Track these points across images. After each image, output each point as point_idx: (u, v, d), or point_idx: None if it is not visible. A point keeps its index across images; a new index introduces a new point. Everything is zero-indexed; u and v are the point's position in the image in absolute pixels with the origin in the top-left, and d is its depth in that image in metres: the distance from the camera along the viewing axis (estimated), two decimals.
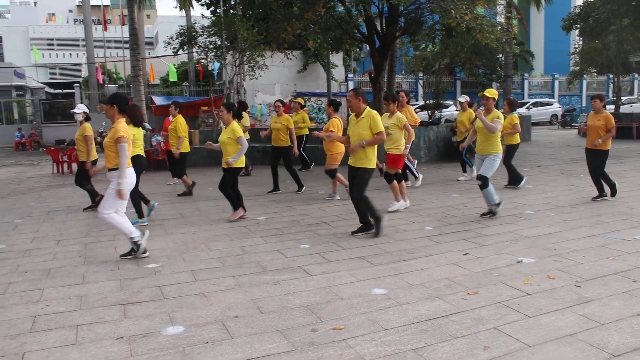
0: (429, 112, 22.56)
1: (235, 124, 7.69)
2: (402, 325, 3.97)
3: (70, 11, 72.77)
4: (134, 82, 19.96)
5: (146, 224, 7.85)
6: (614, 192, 8.70)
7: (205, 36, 22.99)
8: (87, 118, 8.94)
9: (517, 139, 10.13)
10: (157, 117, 25.37)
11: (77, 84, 32.03)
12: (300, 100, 12.79)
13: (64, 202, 10.10)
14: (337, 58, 31.76)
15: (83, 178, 9.03)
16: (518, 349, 3.56)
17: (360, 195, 6.70)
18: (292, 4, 16.57)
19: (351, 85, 34.15)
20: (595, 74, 36.40)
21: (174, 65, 36.70)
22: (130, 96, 22.35)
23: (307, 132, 12.71)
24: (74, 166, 15.47)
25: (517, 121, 10.00)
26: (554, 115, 35.35)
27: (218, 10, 26.19)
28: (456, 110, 31.30)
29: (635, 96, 37.20)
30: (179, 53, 24.23)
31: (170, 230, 7.42)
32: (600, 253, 5.70)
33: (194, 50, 25.34)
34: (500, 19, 24.25)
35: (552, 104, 36.88)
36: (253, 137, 13.67)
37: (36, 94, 33.81)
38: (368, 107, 6.71)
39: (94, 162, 8.88)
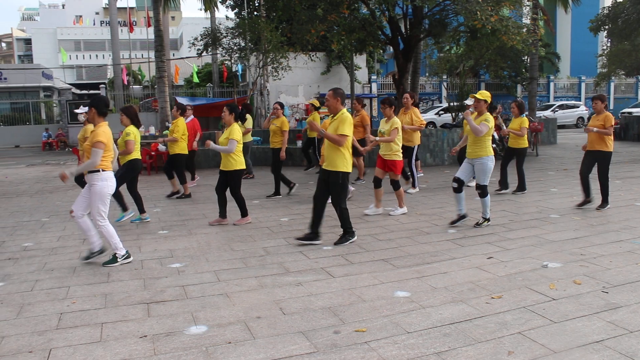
0: (453, 114, 22.38)
1: (235, 125, 7.68)
2: (425, 329, 3.94)
3: (97, 13, 73.92)
4: (159, 83, 20.18)
5: (132, 214, 8.06)
6: (604, 204, 8.30)
7: (229, 38, 23.14)
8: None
9: (525, 142, 9.88)
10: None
11: (102, 85, 32.53)
12: (314, 101, 12.76)
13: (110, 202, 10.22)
14: (360, 60, 31.74)
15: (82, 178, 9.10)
16: (543, 354, 3.51)
17: (339, 205, 6.48)
18: (316, 6, 16.59)
19: (374, 87, 34.08)
20: (623, 76, 35.75)
21: (198, 66, 37.05)
22: (155, 97, 22.61)
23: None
24: None
25: (527, 125, 9.81)
26: (580, 118, 34.82)
27: (242, 12, 26.37)
28: None
29: None
30: (203, 54, 24.42)
31: (194, 231, 7.47)
32: (628, 259, 5.59)
33: (218, 51, 25.51)
34: (526, 20, 23.95)
35: (578, 107, 36.31)
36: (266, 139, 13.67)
37: (63, 95, 34.36)
38: (345, 110, 6.48)
39: None
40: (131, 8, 37.71)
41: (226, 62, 34.60)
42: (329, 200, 6.56)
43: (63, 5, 76.69)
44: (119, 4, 36.61)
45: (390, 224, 7.52)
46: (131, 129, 7.94)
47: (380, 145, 8.30)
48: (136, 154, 8.05)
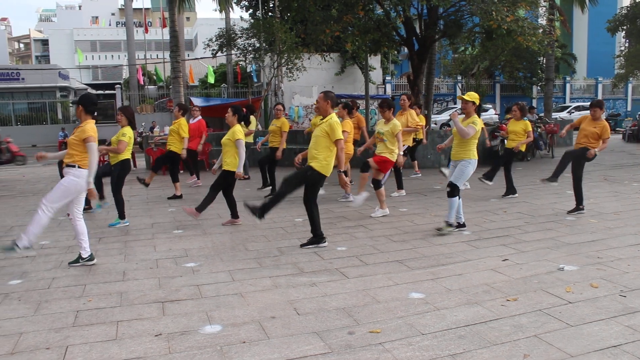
0: None
1: (238, 126, 7.71)
2: (439, 331, 3.92)
3: (113, 14, 74.55)
4: (174, 84, 20.31)
5: (127, 224, 7.97)
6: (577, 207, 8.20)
7: (244, 38, 23.22)
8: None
9: (522, 147, 9.76)
10: (189, 119, 25.73)
11: (118, 85, 32.79)
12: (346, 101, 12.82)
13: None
14: (375, 60, 31.68)
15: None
16: (560, 358, 3.47)
17: (310, 202, 6.44)
18: (330, 7, 16.60)
19: (389, 87, 34.01)
20: None
21: (213, 67, 37.18)
22: (170, 97, 22.75)
23: None
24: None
25: (531, 128, 9.71)
26: None
27: (257, 13, 26.45)
28: (495, 114, 30.92)
29: None
30: (217, 55, 24.52)
31: (208, 230, 7.50)
32: None
33: (233, 52, 25.61)
34: (542, 20, 23.77)
35: None
36: (291, 140, 13.70)
37: (79, 95, 34.73)
38: (334, 114, 6.43)
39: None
40: (146, 9, 38.00)
41: (241, 63, 34.76)
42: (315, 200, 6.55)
43: (80, 7, 77.46)
44: (135, 5, 36.90)
45: (404, 225, 7.50)
46: (128, 130, 7.94)
47: (377, 145, 8.30)
48: (127, 154, 8.08)
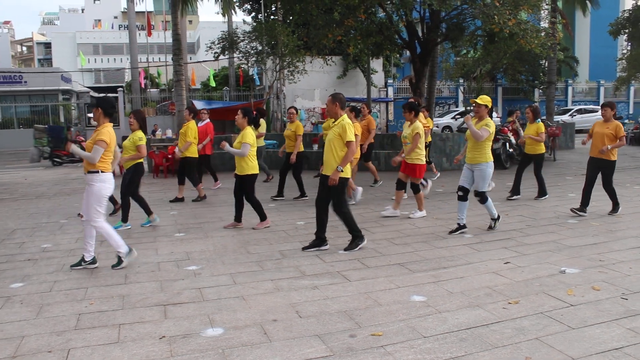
0: None
1: (248, 129, 7.68)
2: (441, 333, 3.92)
3: (116, 17, 74.77)
4: (176, 87, 20.30)
5: (129, 227, 7.99)
6: (615, 210, 8.32)
7: (246, 41, 23.25)
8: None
9: (542, 148, 9.80)
10: (198, 122, 25.77)
11: (120, 88, 32.82)
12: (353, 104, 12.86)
13: (107, 204, 10.30)
14: (377, 64, 31.70)
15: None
16: None
17: (341, 210, 6.44)
18: (332, 10, 16.61)
19: (391, 91, 34.02)
20: None
21: (215, 70, 37.24)
22: (172, 100, 22.79)
23: None
24: (117, 168, 15.84)
25: (543, 130, 9.73)
26: None
27: (259, 16, 26.49)
28: (497, 117, 30.90)
29: None
30: (220, 58, 24.56)
31: (210, 234, 7.51)
32: None
33: (235, 55, 25.64)
34: (545, 24, 23.76)
35: (597, 111, 35.87)
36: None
37: (81, 98, 34.83)
38: (345, 115, 6.44)
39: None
40: (149, 12, 38.11)
41: (243, 66, 34.80)
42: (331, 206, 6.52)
43: (82, 10, 77.73)
44: (137, 8, 36.98)
45: (406, 228, 7.50)
46: (141, 133, 7.98)
47: (404, 149, 8.41)
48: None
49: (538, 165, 9.78)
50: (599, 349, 3.62)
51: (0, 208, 10.26)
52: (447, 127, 29.70)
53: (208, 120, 11.99)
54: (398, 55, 33.72)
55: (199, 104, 27.94)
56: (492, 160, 7.23)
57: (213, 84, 34.88)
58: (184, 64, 21.21)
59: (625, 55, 29.82)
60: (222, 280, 5.33)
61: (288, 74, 22.64)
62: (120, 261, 5.87)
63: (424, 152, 8.39)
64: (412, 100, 10.61)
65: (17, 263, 6.16)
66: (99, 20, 73.72)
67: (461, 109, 30.22)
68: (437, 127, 27.81)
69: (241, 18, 56.43)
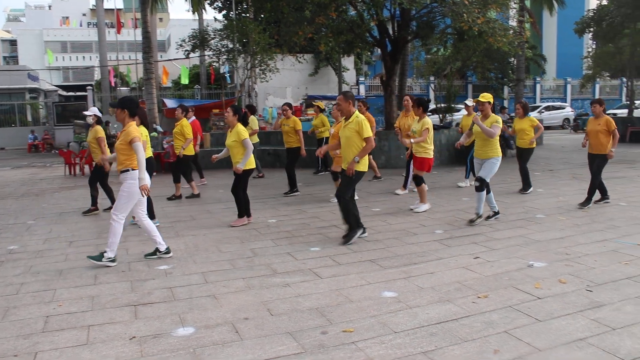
0: (440, 116, 22.50)
1: (240, 126, 7.70)
2: (412, 329, 3.97)
3: (84, 15, 73.44)
4: (147, 85, 20.08)
5: (158, 224, 7.90)
6: (603, 197, 8.69)
7: (217, 39, 23.10)
8: (98, 121, 9.05)
9: (533, 142, 10.01)
10: (169, 120, 25.51)
11: (89, 87, 32.30)
12: (320, 103, 12.89)
13: (76, 204, 10.18)
14: (348, 62, 31.80)
15: (96, 180, 9.05)
16: (528, 352, 3.54)
17: (342, 197, 6.61)
18: (303, 8, 16.60)
19: (362, 88, 34.16)
20: (608, 78, 36.08)
21: (188, 67, 36.88)
22: (142, 99, 22.53)
23: (328, 135, 12.73)
24: (87, 168, 15.62)
25: (537, 123, 9.95)
26: (566, 119, 35.14)
27: (230, 14, 26.32)
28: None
29: None
30: (190, 56, 24.34)
31: (181, 232, 7.45)
32: (612, 258, 5.66)
33: (206, 53, 25.44)
34: (513, 22, 24.10)
35: (564, 108, 36.66)
36: (264, 141, 13.72)
37: (49, 97, 34.16)
38: (357, 112, 6.67)
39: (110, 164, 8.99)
40: (118, 9, 37.55)
41: (214, 64, 34.55)
42: (356, 197, 6.88)
43: (49, 7, 76.16)
44: (106, 6, 36.43)
45: (377, 225, 7.55)
46: (143, 129, 7.89)
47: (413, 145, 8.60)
48: (149, 152, 8.05)
49: (525, 159, 10.03)
50: (564, 340, 3.70)
51: None
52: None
53: (194, 118, 11.92)
54: (369, 53, 33.88)
55: (169, 103, 27.68)
56: (501, 154, 7.60)
57: (185, 81, 34.52)
58: (154, 62, 20.98)
59: (591, 54, 30.44)
60: (194, 280, 5.30)
61: (260, 72, 22.56)
62: (100, 257, 5.86)
63: (431, 147, 8.59)
64: (408, 96, 10.78)
65: None
66: (67, 18, 72.28)
67: (432, 106, 30.48)
68: None
69: (212, 16, 55.98)
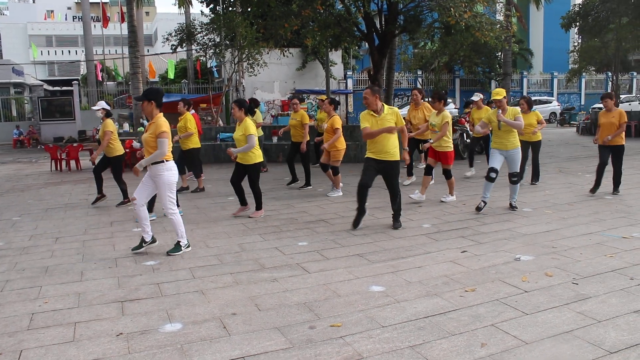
0: None
1: (248, 120, 7.71)
2: (399, 323, 3.98)
3: (69, 8, 72.66)
4: (133, 79, 19.97)
5: (154, 217, 7.95)
6: (616, 190, 8.95)
7: (204, 33, 22.94)
8: (107, 114, 8.98)
9: (539, 135, 10.15)
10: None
11: (75, 81, 31.99)
12: (323, 97, 12.94)
13: (62, 200, 10.09)
14: (336, 56, 31.76)
15: (119, 173, 9.11)
16: (515, 345, 3.57)
17: (399, 188, 7.09)
18: (291, 2, 16.55)
19: (350, 82, 34.14)
20: (594, 72, 36.38)
21: (175, 61, 36.66)
22: (129, 93, 22.38)
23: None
24: (72, 164, 15.50)
25: (541, 117, 10.08)
26: (553, 114, 35.42)
27: (217, 8, 26.15)
28: (455, 108, 31.36)
29: (634, 94, 37.22)
30: (177, 50, 24.17)
31: (169, 228, 7.40)
32: (598, 251, 5.71)
33: (193, 47, 25.27)
34: (500, 17, 24.22)
35: (550, 102, 36.92)
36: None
37: (34, 91, 33.74)
38: (385, 104, 6.91)
39: (122, 157, 9.19)
40: (104, 3, 37.16)
41: (201, 58, 34.35)
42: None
43: (34, 0, 75.26)
44: None
45: (365, 219, 7.52)
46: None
47: (432, 137, 8.77)
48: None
49: (536, 151, 10.17)
50: (550, 333, 3.73)
51: None
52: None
53: (193, 111, 11.88)
54: (357, 47, 33.87)
55: None
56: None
57: (171, 76, 34.32)
58: (140, 57, 20.84)
59: (577, 48, 30.64)
60: (181, 275, 5.28)
61: (247, 66, 22.45)
62: (178, 248, 6.05)
63: (451, 140, 8.72)
64: (416, 90, 10.90)
65: None
66: (52, 11, 71.52)
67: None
68: None
69: (199, 10, 55.61)
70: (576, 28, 27.63)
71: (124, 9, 25.38)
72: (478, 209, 7.78)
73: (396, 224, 7.04)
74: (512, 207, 7.92)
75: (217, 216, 8.07)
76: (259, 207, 8.01)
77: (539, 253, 5.68)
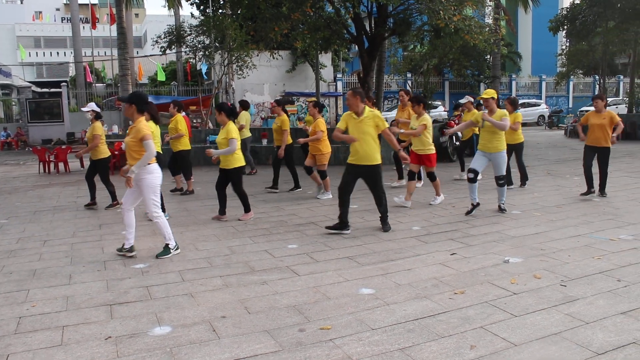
0: None
1: (230, 124, 7.68)
2: (389, 325, 3.98)
3: (58, 9, 72.15)
4: (122, 81, 19.89)
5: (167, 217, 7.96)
6: (603, 192, 8.97)
7: (193, 35, 22.91)
8: (97, 116, 8.93)
9: (521, 137, 10.17)
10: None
11: (64, 83, 31.78)
12: (313, 99, 12.97)
13: (50, 202, 10.02)
14: (325, 58, 31.77)
15: (107, 176, 9.11)
16: (504, 348, 3.58)
17: (383, 192, 7.04)
18: (280, 4, 16.55)
19: (340, 85, 34.18)
20: (581, 75, 36.70)
21: (162, 65, 36.55)
22: (118, 95, 22.26)
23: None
24: (61, 166, 15.39)
25: (521, 119, 10.09)
26: (541, 116, 35.61)
27: (207, 10, 26.12)
28: (444, 111, 31.50)
29: (621, 97, 37.54)
30: (167, 52, 24.12)
31: (158, 231, 7.37)
32: (586, 252, 5.75)
33: (183, 49, 25.22)
34: (489, 20, 24.35)
35: (539, 105, 37.14)
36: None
37: (22, 93, 33.44)
38: (367, 106, 6.88)
39: (107, 160, 9.15)
40: (93, 4, 37.00)
41: (191, 60, 34.26)
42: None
43: (21, 1, 74.71)
44: (81, 0, 35.87)
45: (355, 222, 7.56)
46: (151, 124, 7.79)
47: (413, 142, 8.81)
48: (157, 148, 7.99)
49: (519, 153, 10.21)
50: (539, 335, 3.75)
51: None
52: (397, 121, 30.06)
53: (184, 113, 11.85)
54: (346, 50, 33.89)
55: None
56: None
57: (162, 77, 34.19)
58: (130, 58, 20.76)
59: (565, 51, 30.90)
60: (170, 278, 5.25)
61: (237, 68, 22.44)
62: (167, 251, 6.04)
63: (431, 141, 8.74)
64: (403, 91, 10.90)
65: None
66: (40, 12, 71.00)
67: None
68: (386, 120, 28.09)
69: (189, 12, 55.45)
70: (564, 31, 27.85)
71: (114, 10, 25.26)
72: (468, 212, 7.82)
73: (385, 226, 7.04)
74: (500, 210, 7.97)
75: (207, 219, 8.04)
76: (247, 209, 7.99)
77: (528, 255, 5.72)
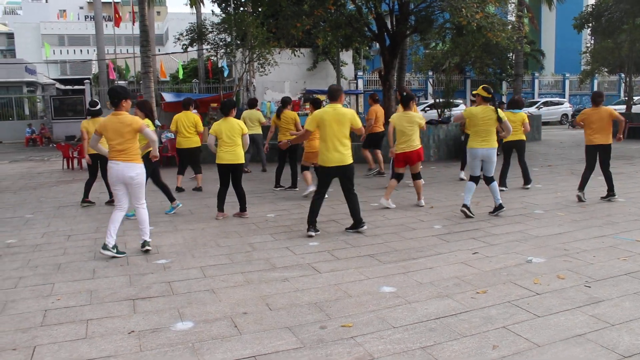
0: (439, 110, 22.48)
1: (240, 122, 7.89)
2: (411, 324, 3.97)
3: (81, 8, 73.10)
4: (144, 79, 20.03)
5: (180, 205, 8.42)
6: (610, 195, 8.63)
7: (215, 33, 23.02)
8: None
9: (522, 134, 10.01)
10: (167, 114, 25.47)
11: (87, 80, 32.21)
12: (320, 97, 12.97)
13: (74, 198, 10.16)
14: (347, 56, 31.74)
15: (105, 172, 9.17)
16: (527, 348, 3.55)
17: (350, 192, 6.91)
18: (302, 2, 16.57)
19: (360, 83, 34.12)
20: (606, 74, 36.09)
21: (183, 62, 36.80)
22: (140, 93, 22.46)
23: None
24: (84, 162, 15.57)
25: (526, 119, 9.94)
26: (565, 115, 35.16)
27: (228, 8, 26.23)
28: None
29: None
30: (188, 50, 24.28)
31: (180, 227, 7.44)
32: (611, 253, 5.66)
33: (204, 47, 25.35)
34: (511, 17, 24.09)
35: (562, 104, 36.66)
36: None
37: (47, 90, 34.02)
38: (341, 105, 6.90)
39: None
40: (116, 3, 37.34)
41: (212, 58, 34.42)
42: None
43: (46, 0, 75.80)
44: None
45: (376, 220, 7.54)
46: (147, 120, 7.89)
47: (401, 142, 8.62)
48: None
49: (521, 152, 10.04)
50: (563, 336, 3.71)
51: None
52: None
53: (195, 111, 11.97)
54: (368, 48, 33.82)
55: (167, 97, 27.62)
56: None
57: (181, 75, 34.43)
58: (152, 56, 20.92)
59: (589, 49, 30.42)
60: (192, 274, 5.29)
61: (258, 66, 22.50)
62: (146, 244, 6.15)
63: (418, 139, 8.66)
64: (398, 90, 10.87)
65: None
66: (64, 11, 71.98)
67: (430, 101, 30.44)
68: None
69: (210, 9, 55.70)
70: (589, 29, 27.42)
71: (136, 8, 25.48)
72: (493, 211, 7.70)
73: (359, 226, 6.92)
74: (499, 207, 7.69)
75: (238, 212, 8.09)
76: (243, 208, 8.06)
77: (551, 255, 5.65)
